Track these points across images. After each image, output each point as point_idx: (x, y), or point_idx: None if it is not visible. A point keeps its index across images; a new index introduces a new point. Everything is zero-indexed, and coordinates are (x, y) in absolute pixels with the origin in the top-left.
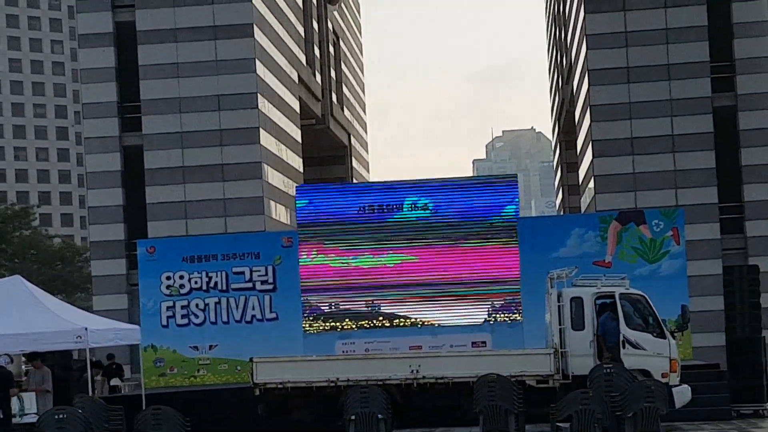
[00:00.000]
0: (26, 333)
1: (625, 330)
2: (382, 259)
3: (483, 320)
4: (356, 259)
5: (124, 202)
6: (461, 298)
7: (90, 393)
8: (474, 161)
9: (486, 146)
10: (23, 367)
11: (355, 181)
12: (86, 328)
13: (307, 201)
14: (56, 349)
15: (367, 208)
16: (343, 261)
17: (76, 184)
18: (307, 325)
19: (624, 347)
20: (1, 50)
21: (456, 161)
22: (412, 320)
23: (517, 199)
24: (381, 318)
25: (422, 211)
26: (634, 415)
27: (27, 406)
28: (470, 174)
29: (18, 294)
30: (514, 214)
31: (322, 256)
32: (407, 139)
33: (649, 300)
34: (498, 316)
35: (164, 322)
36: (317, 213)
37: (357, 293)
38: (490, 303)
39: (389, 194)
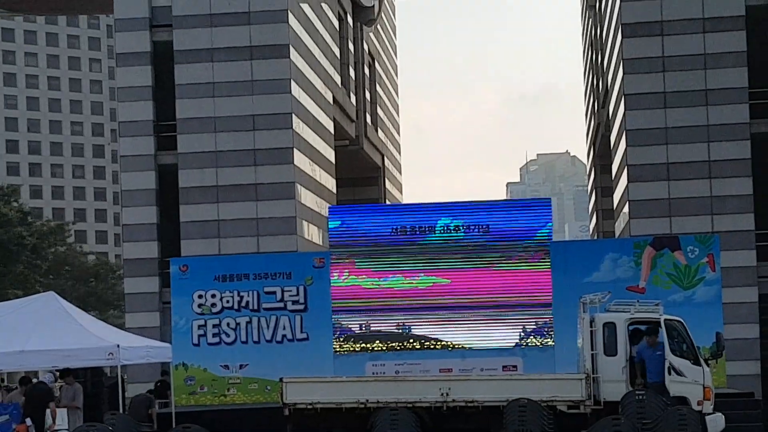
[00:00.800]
0: (59, 349)
1: (670, 357)
2: (414, 281)
3: (514, 344)
4: (388, 280)
5: (157, 221)
6: (493, 322)
7: (121, 410)
8: (508, 184)
9: (520, 169)
10: (56, 383)
11: (388, 202)
12: (118, 345)
13: (339, 221)
14: (88, 365)
15: (399, 229)
16: (375, 282)
17: (111, 201)
18: (337, 346)
19: (669, 374)
20: (40, 68)
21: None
22: (443, 343)
23: (550, 223)
24: (411, 340)
25: (455, 234)
26: None
27: (59, 421)
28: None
29: (52, 310)
30: (547, 237)
31: (354, 277)
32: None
33: (686, 326)
34: (530, 340)
35: (195, 341)
36: (349, 234)
37: (388, 315)
38: (521, 327)
39: (422, 216)
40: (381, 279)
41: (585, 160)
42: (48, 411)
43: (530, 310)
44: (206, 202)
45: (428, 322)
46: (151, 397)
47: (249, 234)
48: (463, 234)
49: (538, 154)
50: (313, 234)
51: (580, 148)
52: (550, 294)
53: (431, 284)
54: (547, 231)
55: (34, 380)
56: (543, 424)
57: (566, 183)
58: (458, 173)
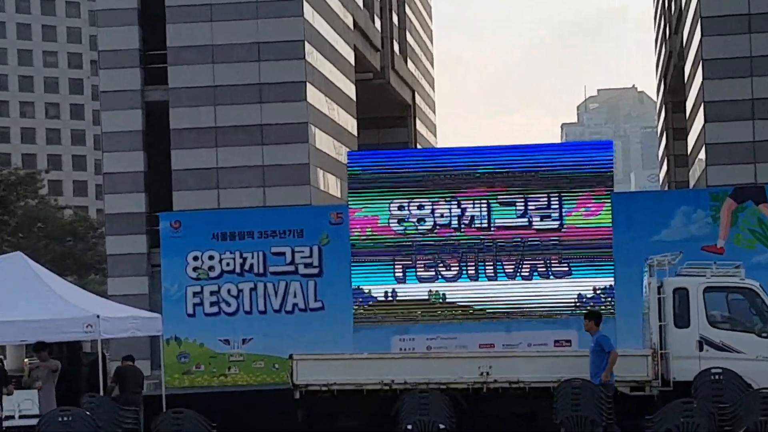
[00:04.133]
0: (28, 320)
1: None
2: (450, 239)
3: (568, 314)
4: (419, 238)
5: (145, 168)
6: (542, 288)
7: (101, 391)
8: (563, 126)
9: (577, 108)
10: (26, 360)
11: (419, 146)
12: (98, 316)
13: (361, 169)
14: (63, 339)
15: (432, 178)
16: (403, 241)
17: (90, 146)
18: (358, 317)
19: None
20: None
21: (541, 127)
22: (484, 313)
23: (612, 170)
24: (446, 310)
25: (498, 186)
26: (747, 430)
27: (28, 405)
28: (558, 140)
29: (20, 274)
30: (608, 187)
31: (378, 234)
32: (483, 98)
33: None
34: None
35: (190, 311)
36: (373, 183)
37: (419, 281)
38: (576, 294)
39: (459, 162)
40: (410, 238)
41: (654, 97)
42: (7, 394)
43: (587, 274)
44: (202, 147)
45: (466, 288)
46: (141, 372)
47: (253, 184)
48: (506, 185)
49: (598, 90)
50: (329, 184)
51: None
52: (611, 255)
53: (470, 244)
54: (609, 180)
55: None
56: (600, 409)
57: (632, 124)
58: (503, 114)
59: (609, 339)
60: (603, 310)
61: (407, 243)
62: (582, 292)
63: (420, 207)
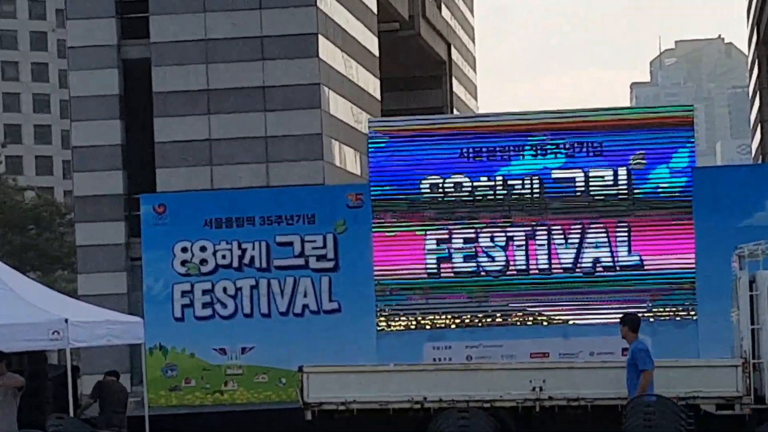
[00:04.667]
0: None
1: None
2: (494, 227)
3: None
4: (455, 226)
5: (123, 141)
6: (607, 286)
7: (71, 411)
8: (633, 86)
9: (651, 64)
10: None
11: (456, 112)
12: (67, 321)
13: (385, 141)
14: (24, 349)
15: (471, 152)
16: (437, 228)
17: (56, 114)
18: (382, 321)
19: None
20: None
21: (606, 87)
22: (535, 316)
23: (693, 141)
24: (490, 312)
25: (553, 159)
26: None
27: None
28: (627, 104)
29: None
30: (688, 162)
31: (406, 221)
32: (534, 54)
33: None
34: (661, 310)
35: (178, 314)
36: (400, 159)
37: (456, 275)
38: (649, 292)
39: (504, 132)
40: (445, 226)
41: (745, 50)
42: None
43: (662, 268)
44: (192, 114)
45: (514, 287)
46: (126, 390)
47: (254, 160)
48: (564, 158)
49: (676, 42)
50: (347, 159)
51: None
52: (692, 244)
53: (519, 233)
54: (689, 153)
55: None
56: (679, 431)
57: (718, 83)
58: (558, 73)
59: (646, 353)
60: (681, 310)
61: (442, 231)
62: (656, 291)
63: (458, 187)
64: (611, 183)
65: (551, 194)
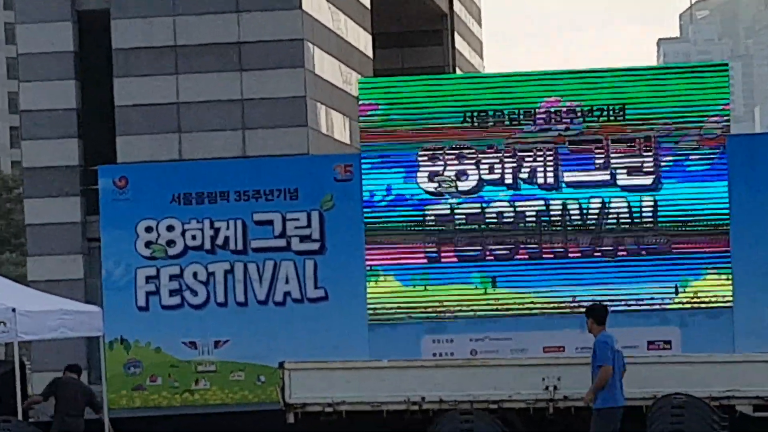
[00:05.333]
0: None
1: None
2: (501, 201)
3: (666, 304)
4: (459, 201)
5: (78, 105)
6: (631, 268)
7: (20, 414)
8: (660, 42)
9: (680, 17)
10: None
11: (459, 71)
12: (14, 310)
13: (378, 105)
14: None
15: (476, 115)
16: (437, 205)
17: (2, 74)
18: (375, 310)
19: None
20: None
21: (630, 44)
22: (549, 304)
23: (727, 103)
24: (498, 299)
25: (569, 125)
26: None
27: None
28: (653, 63)
29: None
30: (721, 127)
31: (403, 195)
32: (549, 6)
33: None
34: (692, 297)
35: (142, 302)
36: (395, 124)
37: (458, 259)
38: (678, 275)
39: (513, 93)
40: (446, 200)
41: None
42: None
43: (693, 248)
44: (157, 74)
45: (526, 269)
46: (90, 389)
47: (228, 126)
48: (582, 123)
49: None
50: (334, 125)
51: None
52: (727, 219)
53: (529, 207)
54: (723, 116)
55: None
56: None
57: (757, 39)
58: (576, 29)
59: (605, 345)
60: (715, 297)
61: (443, 207)
62: (686, 274)
63: (460, 158)
64: (635, 153)
65: (567, 165)
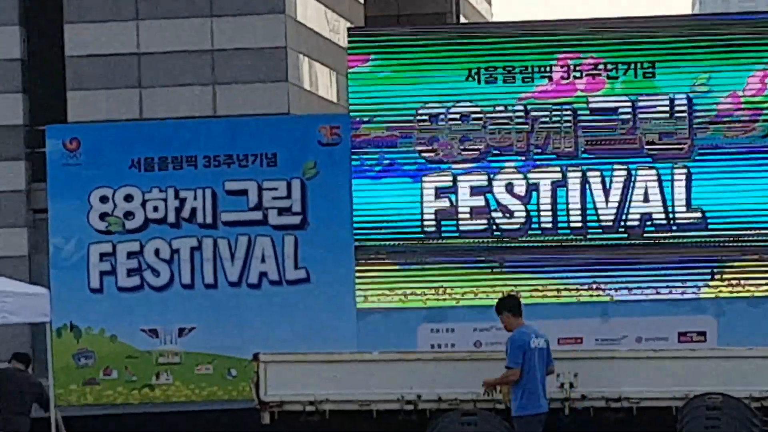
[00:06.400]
0: None
1: None
2: (513, 172)
3: (700, 292)
4: (460, 166)
5: (23, 55)
6: (661, 252)
7: None
8: None
9: None
10: None
11: (463, 20)
12: None
13: (369, 57)
14: None
15: (483, 73)
16: (437, 172)
17: None
18: (364, 294)
19: None
20: None
21: None
22: (566, 289)
23: None
24: (506, 283)
25: (590, 83)
26: None
27: None
28: (688, 12)
29: None
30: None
31: (399, 161)
32: None
33: None
34: (728, 285)
35: (95, 284)
36: (389, 80)
37: (461, 236)
38: (715, 260)
39: (527, 47)
40: (448, 167)
41: None
42: None
43: (730, 232)
44: (115, 20)
45: (539, 251)
46: (39, 383)
47: (197, 80)
48: (605, 82)
49: None
50: (318, 81)
51: None
52: (766, 201)
53: (544, 180)
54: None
55: None
56: None
57: None
58: None
59: (518, 346)
60: (756, 284)
61: (444, 175)
62: (722, 261)
63: (465, 118)
64: (666, 116)
65: (587, 129)
